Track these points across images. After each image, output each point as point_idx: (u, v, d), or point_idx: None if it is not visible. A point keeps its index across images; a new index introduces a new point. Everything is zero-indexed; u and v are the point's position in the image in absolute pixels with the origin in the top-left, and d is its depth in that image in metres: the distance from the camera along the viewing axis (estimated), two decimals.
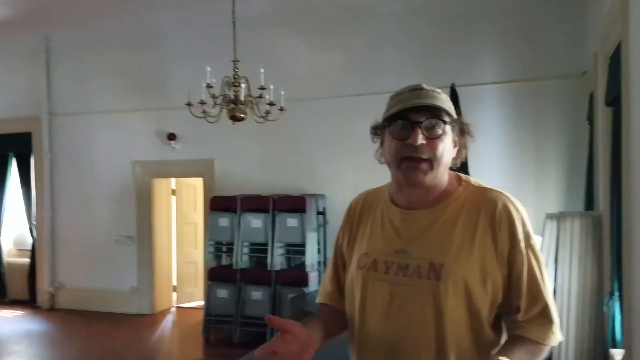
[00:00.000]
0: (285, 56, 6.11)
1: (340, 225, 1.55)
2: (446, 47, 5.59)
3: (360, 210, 1.48)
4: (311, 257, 5.57)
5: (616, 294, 3.09)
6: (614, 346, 3.11)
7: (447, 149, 1.29)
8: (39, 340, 6.00)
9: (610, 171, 3.18)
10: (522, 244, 1.25)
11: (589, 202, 4.39)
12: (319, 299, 1.59)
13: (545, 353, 1.27)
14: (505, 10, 5.43)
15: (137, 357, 5.37)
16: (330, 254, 5.77)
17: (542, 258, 1.29)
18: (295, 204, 5.62)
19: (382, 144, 1.38)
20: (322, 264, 5.79)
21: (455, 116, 1.32)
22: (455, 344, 1.24)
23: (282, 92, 4.84)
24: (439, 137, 1.27)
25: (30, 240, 7.49)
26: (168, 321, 6.71)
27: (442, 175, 1.33)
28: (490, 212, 1.27)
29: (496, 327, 1.29)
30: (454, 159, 1.36)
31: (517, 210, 1.28)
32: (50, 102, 7.25)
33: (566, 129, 5.21)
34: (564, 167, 5.23)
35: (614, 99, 2.97)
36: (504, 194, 1.31)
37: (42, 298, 7.29)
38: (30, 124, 7.29)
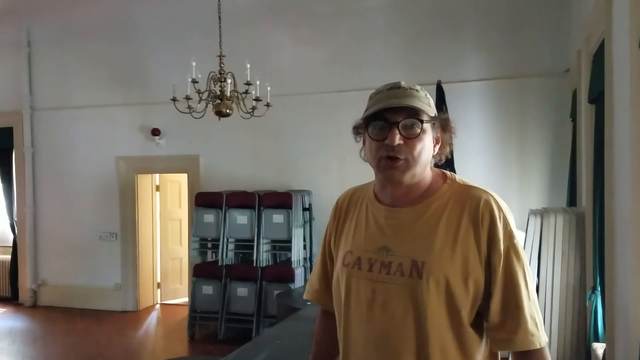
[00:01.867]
0: (271, 51, 6.09)
1: (328, 221, 1.55)
2: (430, 44, 5.62)
3: (347, 207, 1.48)
4: (297, 253, 5.57)
5: (598, 289, 3.13)
6: (596, 340, 3.15)
7: (426, 147, 1.30)
8: (22, 338, 5.93)
9: (592, 168, 3.21)
10: (501, 245, 1.24)
11: (572, 199, 4.44)
12: (306, 296, 1.60)
13: (544, 354, 1.25)
14: (489, 8, 5.46)
15: (122, 354, 5.33)
16: (316, 250, 5.78)
17: (525, 259, 1.27)
18: (281, 200, 5.61)
19: (364, 142, 1.38)
20: (308, 260, 5.79)
21: (434, 113, 1.32)
22: (437, 342, 1.25)
23: (269, 88, 4.82)
24: (416, 136, 1.27)
25: (11, 236, 7.40)
26: (152, 318, 6.67)
27: (423, 173, 1.33)
28: (473, 210, 1.27)
29: (477, 326, 1.29)
30: (437, 155, 1.37)
31: (499, 208, 1.27)
32: (32, 96, 7.15)
33: (549, 126, 5.26)
34: (547, 164, 5.28)
35: (597, 97, 3.00)
36: (487, 192, 1.31)
37: (24, 295, 7.20)
38: (12, 119, 7.18)
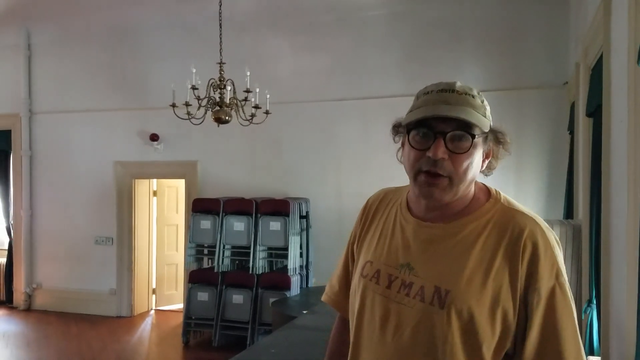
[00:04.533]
0: (270, 58, 6.11)
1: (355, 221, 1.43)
2: (429, 54, 5.64)
3: (376, 209, 1.34)
4: (293, 261, 5.56)
5: (594, 302, 3.13)
6: (591, 353, 3.15)
7: (474, 164, 1.13)
8: (15, 341, 5.90)
9: (589, 181, 3.22)
10: (542, 283, 1.07)
11: (569, 211, 4.45)
12: (324, 298, 1.47)
13: None
14: (488, 19, 5.49)
15: (114, 359, 5.30)
16: (312, 258, 5.77)
17: (572, 304, 1.09)
18: (278, 207, 5.60)
19: (403, 145, 1.22)
20: (305, 268, 5.78)
21: (490, 124, 1.15)
22: None
23: (268, 96, 4.83)
24: (465, 152, 1.10)
25: (7, 239, 7.37)
26: (147, 324, 6.64)
27: (467, 190, 1.17)
28: (514, 239, 1.10)
29: None
30: (485, 170, 1.21)
31: (546, 241, 1.09)
32: (31, 99, 7.16)
33: (547, 139, 5.28)
34: (544, 176, 5.29)
35: (595, 110, 3.02)
36: (535, 220, 1.13)
37: (19, 299, 7.17)
38: (10, 122, 7.18)
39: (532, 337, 1.07)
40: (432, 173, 1.10)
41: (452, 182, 1.11)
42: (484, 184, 1.25)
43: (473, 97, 1.14)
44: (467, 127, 1.10)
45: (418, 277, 1.15)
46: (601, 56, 2.78)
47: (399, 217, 1.26)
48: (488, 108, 1.17)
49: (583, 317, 3.36)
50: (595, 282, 3.07)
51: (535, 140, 5.32)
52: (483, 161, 1.18)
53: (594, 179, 3.06)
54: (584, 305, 3.31)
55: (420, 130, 1.11)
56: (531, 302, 1.07)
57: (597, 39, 2.95)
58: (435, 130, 1.10)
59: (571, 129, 4.51)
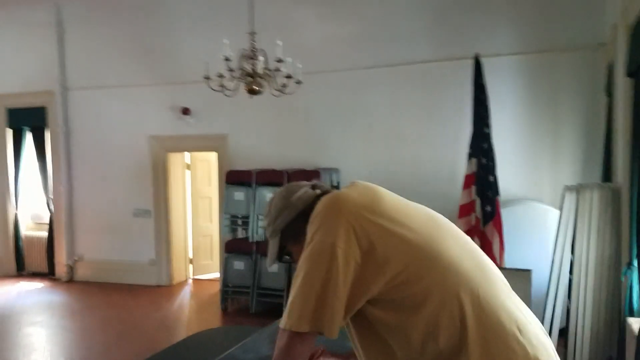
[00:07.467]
0: (298, 28, 6.08)
1: None
2: (459, 18, 5.55)
3: None
4: None
5: (634, 264, 3.12)
6: (631, 315, 3.16)
7: (294, 250, 1.42)
8: (60, 311, 6.14)
9: (630, 142, 3.18)
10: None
11: (606, 174, 4.39)
12: None
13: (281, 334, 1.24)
14: None
15: (157, 325, 5.48)
16: None
17: (308, 257, 1.26)
18: (309, 178, 5.62)
19: None
20: None
21: (276, 230, 1.43)
22: None
23: (300, 65, 4.83)
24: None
25: (47, 213, 7.60)
26: (186, 292, 6.84)
27: None
28: None
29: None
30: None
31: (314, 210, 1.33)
32: (64, 75, 7.28)
33: (583, 101, 5.18)
34: (580, 139, 5.22)
35: (636, 70, 2.96)
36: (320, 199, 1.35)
37: (61, 270, 7.43)
38: (45, 99, 7.33)
39: None
40: None
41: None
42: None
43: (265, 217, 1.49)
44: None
45: None
46: None
47: None
48: (273, 216, 1.43)
49: (622, 280, 3.36)
50: (636, 245, 3.06)
51: (570, 102, 5.23)
52: (299, 242, 1.34)
53: (635, 140, 3.02)
54: (624, 268, 3.30)
55: None
56: None
57: None
58: None
59: (608, 91, 4.42)
